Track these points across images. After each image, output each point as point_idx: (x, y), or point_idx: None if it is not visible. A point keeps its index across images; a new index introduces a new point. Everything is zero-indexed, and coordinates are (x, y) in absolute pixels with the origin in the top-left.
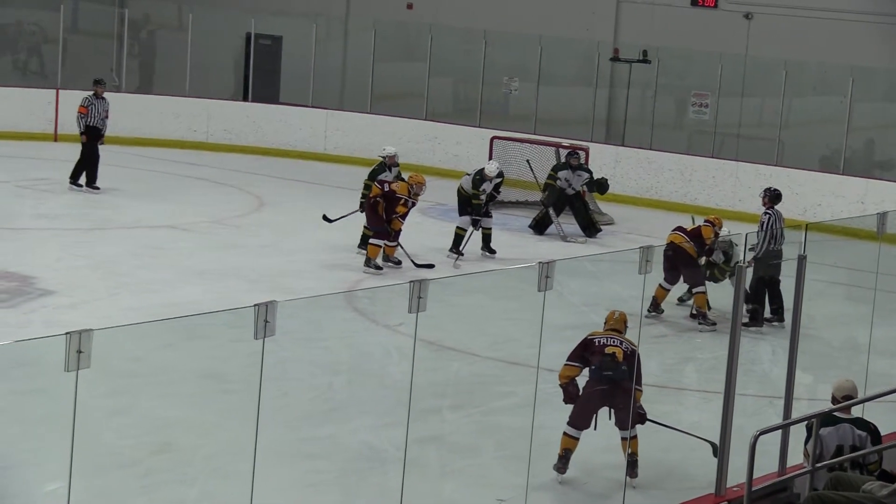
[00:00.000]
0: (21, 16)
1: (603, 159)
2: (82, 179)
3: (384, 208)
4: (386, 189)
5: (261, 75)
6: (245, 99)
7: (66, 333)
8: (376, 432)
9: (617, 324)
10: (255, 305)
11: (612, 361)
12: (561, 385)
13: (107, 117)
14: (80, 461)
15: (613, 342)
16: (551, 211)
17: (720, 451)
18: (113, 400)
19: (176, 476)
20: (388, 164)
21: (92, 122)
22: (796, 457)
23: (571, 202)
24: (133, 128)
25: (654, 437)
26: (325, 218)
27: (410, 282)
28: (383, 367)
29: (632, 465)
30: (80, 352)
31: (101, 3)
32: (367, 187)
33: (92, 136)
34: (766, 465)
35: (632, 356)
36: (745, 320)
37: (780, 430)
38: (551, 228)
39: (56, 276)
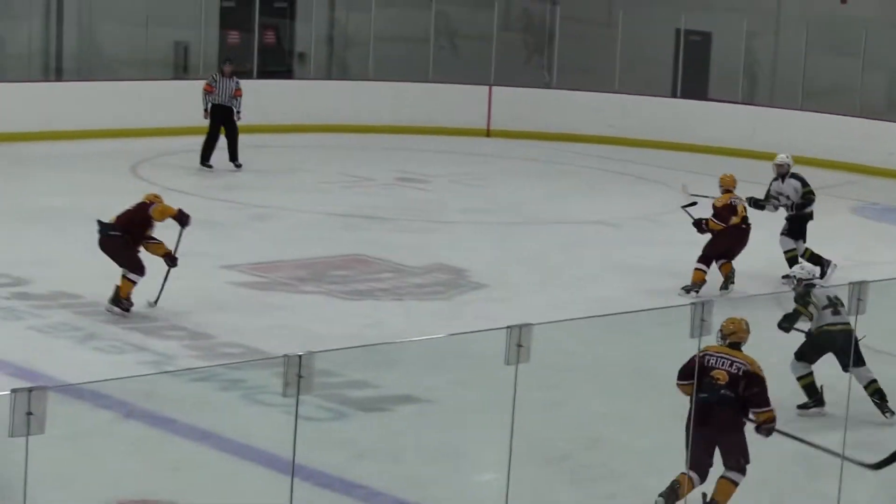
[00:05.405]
0: (454, 12)
1: None
2: (216, 160)
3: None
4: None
5: (690, 71)
6: (674, 95)
7: (507, 328)
8: None
9: (735, 336)
10: (690, 304)
11: (712, 384)
12: None
13: (238, 97)
14: (514, 453)
15: (723, 363)
16: None
17: None
18: (547, 393)
19: (606, 471)
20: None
21: (218, 100)
22: None
23: None
24: (560, 123)
25: None
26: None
27: None
28: None
29: None
30: (520, 346)
31: (533, 0)
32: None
33: (217, 115)
34: None
35: (744, 378)
36: None
37: None
38: None
39: (486, 269)
